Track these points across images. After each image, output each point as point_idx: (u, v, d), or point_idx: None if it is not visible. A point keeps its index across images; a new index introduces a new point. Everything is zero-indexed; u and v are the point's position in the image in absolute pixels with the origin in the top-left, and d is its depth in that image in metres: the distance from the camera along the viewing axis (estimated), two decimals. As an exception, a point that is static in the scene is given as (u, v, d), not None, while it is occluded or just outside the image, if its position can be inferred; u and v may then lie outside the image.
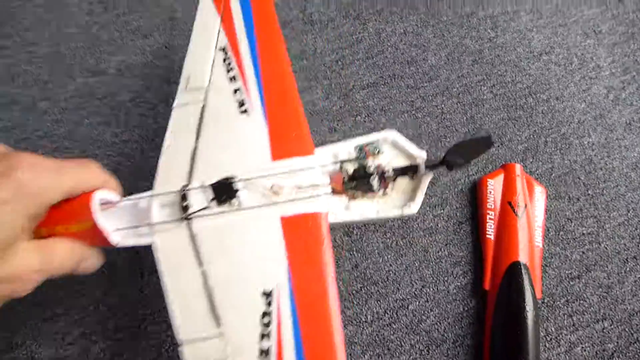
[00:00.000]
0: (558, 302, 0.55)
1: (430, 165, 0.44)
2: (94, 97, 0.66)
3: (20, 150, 0.40)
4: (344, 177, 0.44)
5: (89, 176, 0.41)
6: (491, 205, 0.57)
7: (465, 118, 0.64)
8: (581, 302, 0.56)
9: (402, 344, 0.53)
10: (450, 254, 0.57)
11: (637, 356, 0.53)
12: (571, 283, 0.56)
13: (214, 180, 0.43)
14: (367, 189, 0.43)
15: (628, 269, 0.57)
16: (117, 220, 0.43)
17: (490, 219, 0.57)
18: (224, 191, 0.42)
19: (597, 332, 0.54)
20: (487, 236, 0.56)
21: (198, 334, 0.38)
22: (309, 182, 0.43)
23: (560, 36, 0.70)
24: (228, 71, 0.50)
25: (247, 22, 0.52)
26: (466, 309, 0.55)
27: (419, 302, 0.55)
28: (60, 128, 0.64)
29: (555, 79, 0.67)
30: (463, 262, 0.57)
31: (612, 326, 0.55)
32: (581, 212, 0.60)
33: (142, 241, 0.42)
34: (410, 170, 0.44)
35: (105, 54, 0.70)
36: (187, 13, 0.73)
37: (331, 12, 0.72)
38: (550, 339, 0.54)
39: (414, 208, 0.43)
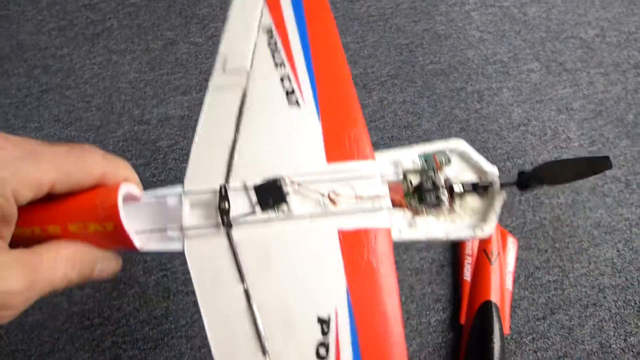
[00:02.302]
0: (525, 339, 0.64)
1: (505, 183, 0.39)
2: (138, 142, 0.79)
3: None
4: (407, 190, 0.39)
5: (78, 166, 0.32)
6: (469, 252, 0.67)
7: (451, 176, 0.75)
8: (545, 340, 0.64)
9: (387, 367, 0.62)
10: (433, 292, 0.66)
11: (593, 391, 0.61)
12: (537, 323, 0.65)
13: (258, 181, 0.37)
14: (434, 204, 0.38)
15: (588, 314, 0.66)
16: (138, 219, 0.37)
17: (467, 263, 0.66)
18: (270, 195, 0.36)
19: (558, 368, 0.62)
20: (464, 278, 0.65)
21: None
22: (369, 191, 0.38)
23: (537, 111, 0.81)
24: (274, 55, 0.43)
25: (295, 4, 0.45)
26: (444, 339, 0.63)
27: (404, 331, 0.64)
28: (108, 166, 0.76)
29: (531, 147, 0.78)
30: (443, 299, 0.66)
31: (572, 363, 0.63)
32: (548, 262, 0.69)
33: (171, 247, 0.36)
34: (480, 188, 0.40)
35: (149, 106, 0.83)
36: (220, 75, 0.86)
37: (342, 81, 0.85)
38: (517, 372, 0.62)
39: (487, 230, 0.39)
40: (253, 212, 0.36)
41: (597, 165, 0.36)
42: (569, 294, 0.67)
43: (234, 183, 0.37)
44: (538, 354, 0.63)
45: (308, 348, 0.33)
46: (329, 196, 0.37)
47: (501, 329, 0.61)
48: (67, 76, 0.86)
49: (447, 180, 0.39)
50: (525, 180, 0.38)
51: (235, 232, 0.36)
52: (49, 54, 0.87)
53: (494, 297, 0.63)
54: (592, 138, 0.79)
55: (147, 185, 0.75)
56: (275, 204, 0.36)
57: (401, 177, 0.39)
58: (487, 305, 0.62)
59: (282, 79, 0.42)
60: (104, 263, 0.35)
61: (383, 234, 0.37)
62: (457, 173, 0.40)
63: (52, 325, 0.64)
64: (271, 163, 0.38)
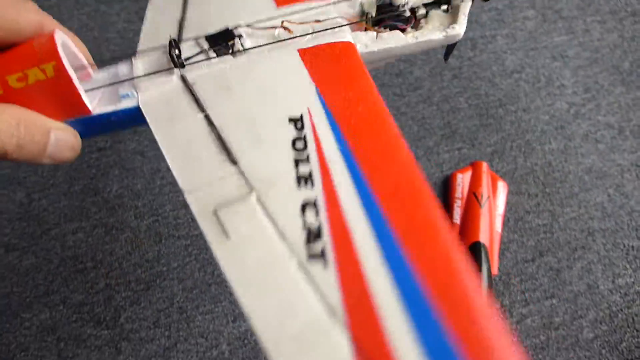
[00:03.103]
0: (513, 281, 0.65)
1: None
2: (128, 92, 0.78)
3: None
4: (366, 17, 0.37)
5: (15, 13, 0.29)
6: (459, 195, 0.67)
7: (442, 123, 0.74)
8: (533, 281, 0.65)
9: (376, 306, 0.62)
10: (422, 234, 0.67)
11: (579, 329, 0.62)
12: (525, 265, 0.65)
13: (210, 31, 0.36)
14: (398, 23, 0.37)
15: (576, 256, 0.66)
16: (89, 85, 0.35)
17: (457, 206, 0.66)
18: (222, 39, 0.35)
19: (545, 308, 0.63)
20: (454, 220, 0.66)
21: (209, 177, 0.31)
22: (327, 14, 0.36)
23: (531, 58, 0.80)
24: None
25: None
26: (433, 280, 0.64)
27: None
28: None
29: (524, 94, 0.77)
30: (432, 242, 0.66)
31: (559, 303, 0.64)
32: (538, 206, 0.69)
33: (125, 104, 0.34)
34: (443, 2, 0.38)
35: (139, 56, 0.82)
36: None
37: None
38: (504, 311, 0.63)
39: (458, 29, 0.38)
40: (207, 57, 0.35)
41: None
42: (558, 237, 0.67)
43: (186, 35, 0.37)
44: (526, 294, 0.64)
45: (282, 146, 0.31)
46: (282, 26, 0.36)
47: (489, 269, 0.61)
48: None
49: (407, 3, 0.37)
50: None
51: (189, 74, 0.35)
52: (37, 4, 0.86)
53: (483, 239, 0.63)
54: (587, 85, 0.78)
55: (137, 132, 0.75)
56: (227, 48, 0.35)
57: (357, 9, 0.37)
58: (476, 246, 0.62)
59: None
60: (58, 133, 0.31)
61: (346, 46, 0.35)
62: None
63: (46, 269, 0.65)
64: (221, 14, 0.37)
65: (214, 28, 0.36)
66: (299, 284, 0.26)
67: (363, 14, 0.37)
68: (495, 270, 0.62)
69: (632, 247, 0.67)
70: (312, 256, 0.27)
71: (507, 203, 0.68)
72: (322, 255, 0.27)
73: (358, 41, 0.36)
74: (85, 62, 0.35)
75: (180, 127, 0.33)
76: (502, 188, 0.68)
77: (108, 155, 0.73)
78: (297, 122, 0.32)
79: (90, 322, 0.62)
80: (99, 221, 0.68)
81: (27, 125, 0.29)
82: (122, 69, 0.35)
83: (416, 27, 0.37)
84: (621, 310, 0.63)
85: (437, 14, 0.38)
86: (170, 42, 0.34)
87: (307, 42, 0.35)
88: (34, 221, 0.68)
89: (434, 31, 0.37)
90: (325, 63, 0.34)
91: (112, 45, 0.83)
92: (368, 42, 0.36)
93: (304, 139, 0.31)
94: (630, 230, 0.68)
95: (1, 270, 0.65)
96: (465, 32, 0.82)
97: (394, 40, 0.36)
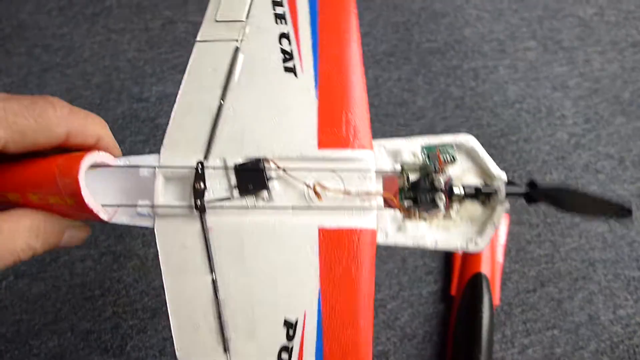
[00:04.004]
0: (514, 311, 0.65)
1: (511, 193, 0.34)
2: (137, 120, 0.80)
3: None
4: (402, 186, 0.34)
5: (38, 123, 0.28)
6: (461, 226, 0.68)
7: (445, 152, 0.76)
8: (535, 311, 0.65)
9: (379, 336, 0.63)
10: (425, 264, 0.68)
11: (580, 361, 0.63)
12: (527, 295, 0.66)
13: (240, 160, 0.33)
14: (428, 207, 0.33)
15: (578, 287, 0.67)
16: (107, 188, 0.33)
17: (459, 237, 0.67)
18: (251, 178, 0.32)
19: (547, 338, 0.64)
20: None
21: (202, 353, 0.32)
22: (360, 186, 0.33)
23: (532, 88, 0.82)
24: (275, 5, 0.37)
25: None
26: (435, 310, 0.65)
27: (396, 302, 0.65)
28: (108, 143, 0.78)
29: (525, 124, 0.78)
30: (435, 272, 0.67)
31: (560, 334, 0.64)
32: (539, 236, 0.70)
33: (140, 222, 0.33)
34: (484, 194, 0.34)
35: (148, 84, 0.84)
36: (218, 54, 0.86)
37: (339, 59, 0.86)
38: (506, 341, 0.63)
39: (481, 244, 0.34)
40: (230, 197, 0.33)
41: (617, 211, 0.32)
42: (559, 268, 0.68)
43: (214, 160, 0.33)
44: (527, 324, 0.65)
45: (270, 350, 0.31)
46: (314, 188, 0.33)
47: (490, 300, 0.62)
48: (67, 55, 0.87)
49: (447, 181, 0.34)
50: (536, 195, 0.34)
51: (209, 217, 0.33)
52: (50, 33, 0.88)
53: (485, 269, 0.64)
54: (587, 116, 0.80)
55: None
56: (256, 190, 0.32)
57: (398, 170, 0.34)
58: (478, 277, 0.63)
59: (280, 37, 0.36)
60: (71, 232, 0.32)
61: (367, 236, 0.33)
62: (461, 173, 0.35)
63: (54, 296, 0.66)
64: (257, 138, 0.34)
65: (245, 152, 0.33)
66: None
67: (402, 172, 0.34)
68: (496, 301, 0.63)
69: (633, 277, 0.68)
70: None
71: (509, 233, 0.69)
72: None
73: (381, 223, 0.34)
74: (107, 161, 0.33)
75: (188, 282, 0.32)
76: (503, 218, 0.69)
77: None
78: (290, 328, 0.31)
79: (97, 350, 0.63)
80: (107, 249, 0.69)
81: (45, 232, 0.30)
82: (144, 173, 0.33)
83: (447, 209, 0.34)
84: (622, 341, 0.64)
85: (471, 205, 0.35)
86: (196, 173, 0.32)
87: (329, 217, 0.33)
88: (43, 248, 0.70)
89: (456, 240, 0.34)
90: (339, 256, 0.32)
91: (122, 74, 0.85)
92: (389, 231, 0.34)
93: (290, 351, 0.31)
94: (630, 261, 0.68)
95: (11, 297, 0.66)
96: (467, 63, 0.84)
97: (413, 238, 0.34)
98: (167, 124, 0.78)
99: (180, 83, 0.84)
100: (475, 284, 0.63)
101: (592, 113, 0.80)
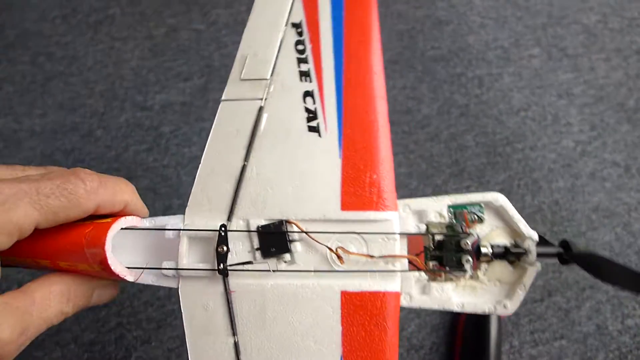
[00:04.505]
0: (522, 321, 0.65)
1: (543, 254, 0.33)
2: (141, 128, 0.80)
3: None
4: (428, 246, 0.33)
5: (69, 201, 0.29)
6: (467, 235, 0.68)
7: (450, 161, 0.75)
8: (542, 321, 0.65)
9: (386, 347, 0.63)
10: (431, 274, 0.67)
11: (589, 372, 0.62)
12: (534, 305, 0.66)
13: (262, 222, 0.33)
14: (454, 268, 0.32)
15: (585, 296, 0.67)
16: (135, 249, 0.34)
17: (466, 246, 0.67)
18: (273, 241, 0.33)
19: (555, 349, 0.63)
20: (463, 260, 0.66)
21: None
22: (384, 250, 0.33)
23: (537, 96, 0.81)
24: (300, 62, 0.37)
25: None
26: (442, 321, 0.64)
27: (403, 313, 0.65)
28: (111, 152, 0.77)
29: (531, 132, 0.78)
30: (441, 282, 0.67)
31: (568, 344, 0.64)
32: (546, 245, 0.69)
33: (165, 284, 0.33)
34: (513, 255, 0.33)
35: (151, 92, 0.84)
36: (223, 62, 0.86)
37: (343, 67, 0.85)
38: (514, 352, 0.63)
39: (510, 308, 0.33)
40: (253, 260, 0.33)
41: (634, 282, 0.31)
42: (567, 277, 0.68)
43: (237, 221, 0.33)
44: (535, 335, 0.64)
45: None
46: (336, 252, 0.32)
47: (498, 310, 0.61)
48: (71, 63, 0.87)
49: (476, 240, 0.33)
50: (569, 258, 0.33)
51: (232, 279, 0.33)
52: (53, 41, 0.88)
53: (492, 279, 0.63)
54: (593, 123, 0.79)
55: (150, 170, 0.76)
56: (278, 253, 0.32)
57: (423, 230, 0.33)
58: (485, 287, 0.63)
59: (305, 95, 0.36)
60: (100, 291, 0.33)
61: (391, 299, 0.32)
62: (489, 232, 0.33)
63: (58, 306, 0.66)
64: (279, 200, 0.34)
65: (267, 214, 0.33)
66: None
67: (427, 231, 0.33)
68: (504, 312, 0.63)
69: (641, 287, 0.67)
70: None
71: (516, 242, 0.69)
72: None
73: (405, 286, 0.33)
74: (136, 223, 0.33)
75: (210, 343, 0.32)
76: (510, 227, 0.69)
77: (121, 192, 0.74)
78: None
79: (101, 361, 0.62)
80: (111, 259, 0.69)
81: (75, 295, 0.31)
82: (169, 235, 0.33)
83: (475, 268, 0.33)
84: (631, 351, 0.63)
85: (499, 266, 0.33)
86: (219, 236, 0.32)
87: (352, 281, 0.32)
88: (47, 258, 0.69)
89: (483, 303, 0.33)
90: (362, 320, 0.32)
91: (126, 82, 0.84)
92: (414, 294, 0.33)
93: None
94: (638, 269, 0.68)
95: (14, 307, 0.66)
96: (472, 70, 0.84)
97: (438, 301, 0.33)
98: (170, 131, 0.78)
99: (183, 90, 0.84)
100: (482, 294, 0.62)
101: (597, 120, 0.80)
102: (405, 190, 0.73)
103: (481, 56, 0.84)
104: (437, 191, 0.73)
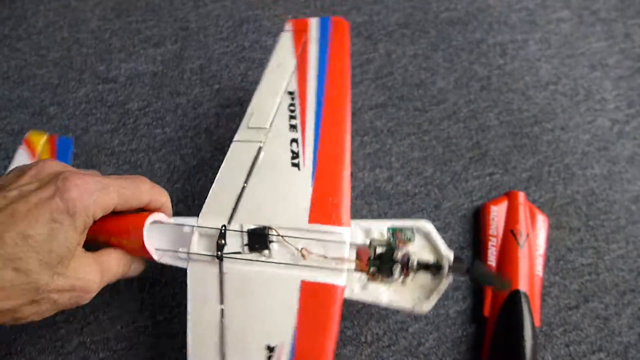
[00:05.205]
0: (555, 332, 0.56)
1: (454, 270, 0.43)
2: (104, 104, 0.67)
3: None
4: (370, 256, 0.44)
5: (134, 194, 0.44)
6: (493, 232, 0.58)
7: (471, 143, 0.65)
8: (578, 332, 0.56)
9: (401, 367, 0.53)
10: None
11: (631, 389, 0.54)
12: (569, 313, 0.57)
13: (252, 226, 0.46)
14: (388, 274, 0.43)
15: (626, 301, 0.58)
16: (161, 237, 0.47)
17: (492, 245, 0.57)
18: (258, 240, 0.45)
19: (592, 364, 0.55)
20: (488, 262, 0.57)
21: None
22: (336, 254, 0.44)
23: (567, 67, 0.71)
24: (290, 118, 0.51)
25: (320, 73, 0.53)
26: (465, 334, 0.55)
27: (419, 325, 0.55)
28: (68, 133, 0.65)
29: (561, 109, 0.68)
30: (463, 287, 0.57)
31: (607, 358, 0.55)
32: (581, 242, 0.60)
33: (178, 264, 0.46)
34: (433, 268, 0.43)
35: (116, 61, 0.71)
36: (201, 23, 0.73)
37: (342, 31, 0.73)
38: (547, 369, 0.54)
39: (425, 307, 0.43)
40: (242, 251, 0.45)
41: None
42: (605, 279, 0.59)
43: (234, 224, 0.47)
44: (570, 347, 0.55)
45: None
46: (301, 251, 0.44)
47: (532, 322, 0.52)
48: (18, 25, 0.72)
49: (406, 255, 0.43)
50: (472, 278, 0.43)
51: (226, 264, 0.45)
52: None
53: (523, 286, 0.54)
54: (630, 99, 0.69)
55: (115, 155, 0.64)
56: (260, 249, 0.45)
57: (367, 243, 0.45)
58: (516, 295, 0.53)
59: (292, 141, 0.50)
60: (135, 265, 0.47)
61: (337, 291, 0.44)
62: (419, 250, 0.44)
63: (5, 326, 0.54)
64: (266, 212, 0.47)
65: (256, 221, 0.46)
66: None
67: (370, 246, 0.45)
68: (538, 323, 0.54)
69: (687, 289, 0.59)
70: None
71: (548, 240, 0.59)
72: None
73: (350, 282, 0.44)
74: (165, 219, 0.47)
75: (205, 309, 0.44)
76: (542, 223, 0.59)
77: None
78: (271, 351, 0.42)
79: (61, 390, 0.52)
80: (70, 265, 0.57)
81: (124, 264, 0.46)
82: (186, 229, 0.47)
83: (406, 275, 0.43)
84: (677, 364, 0.55)
85: (423, 276, 0.44)
86: (220, 233, 0.46)
87: (311, 273, 0.44)
88: (-9, 264, 0.57)
89: (406, 301, 0.43)
90: (313, 303, 0.43)
91: (85, 48, 0.71)
92: (356, 289, 0.44)
93: None
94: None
95: (-48, 325, 0.54)
96: (493, 36, 0.72)
97: (373, 296, 0.44)
98: (139, 108, 0.66)
99: (154, 58, 0.71)
100: (513, 303, 0.53)
101: (635, 96, 0.69)
102: (420, 178, 0.62)
103: (503, 19, 0.73)
104: (456, 179, 0.63)
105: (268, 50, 0.71)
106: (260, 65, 0.70)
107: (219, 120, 0.66)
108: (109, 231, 0.45)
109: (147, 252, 0.45)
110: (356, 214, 0.61)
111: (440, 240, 0.44)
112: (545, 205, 0.62)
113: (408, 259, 0.43)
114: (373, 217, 0.61)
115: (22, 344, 0.54)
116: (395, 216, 0.60)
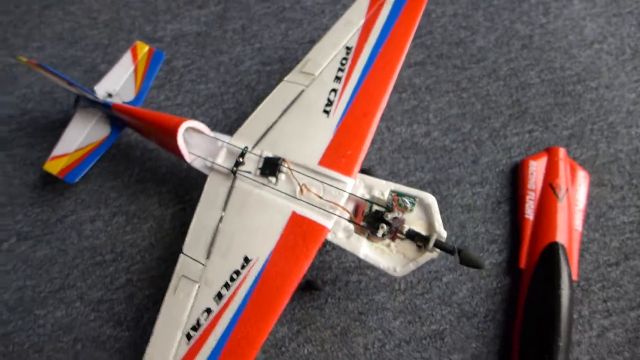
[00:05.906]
0: (593, 287, 0.55)
1: (440, 247, 0.43)
2: (151, 62, 0.70)
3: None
4: (365, 212, 0.46)
5: None
6: (532, 186, 0.57)
7: (510, 101, 0.64)
8: (617, 288, 0.55)
9: (434, 313, 0.54)
10: (487, 231, 0.57)
11: (672, 347, 0.53)
12: (608, 269, 0.56)
13: (270, 155, 0.51)
14: (374, 231, 0.45)
15: (669, 260, 0.56)
16: (200, 145, 0.54)
17: (530, 199, 0.57)
18: (270, 167, 0.50)
19: (631, 320, 0.54)
20: (526, 216, 0.56)
21: (193, 255, 0.49)
22: (332, 198, 0.47)
23: (613, 26, 0.69)
24: (339, 70, 0.54)
25: (381, 36, 0.55)
26: (499, 285, 0.55)
27: (453, 275, 0.56)
28: (118, 89, 0.68)
29: (606, 68, 0.66)
30: (499, 240, 0.57)
31: (647, 315, 0.54)
32: (624, 200, 0.59)
33: (204, 171, 0.53)
34: (421, 240, 0.44)
35: (162, 22, 0.73)
36: (242, -13, 0.75)
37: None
38: (583, 322, 0.54)
39: (398, 273, 0.44)
40: (253, 173, 0.51)
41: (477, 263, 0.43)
42: (647, 237, 0.57)
43: (257, 149, 0.52)
44: (608, 303, 0.55)
45: (229, 269, 0.47)
46: (302, 187, 0.48)
47: (570, 275, 0.52)
48: (71, -11, 0.76)
49: (398, 220, 0.45)
50: (461, 259, 0.43)
51: (238, 181, 0.51)
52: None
53: (561, 239, 0.54)
54: (680, 58, 0.67)
55: (161, 110, 0.67)
56: (270, 175, 0.50)
57: (366, 199, 0.47)
58: (554, 248, 0.53)
59: (331, 90, 0.54)
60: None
61: (321, 230, 0.47)
62: (414, 220, 0.46)
63: (61, 261, 0.58)
64: (285, 146, 0.51)
65: (275, 151, 0.51)
66: None
67: (368, 200, 0.47)
68: (575, 276, 0.53)
69: None
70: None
71: (588, 196, 0.58)
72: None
73: (336, 227, 0.47)
74: (205, 130, 0.55)
75: (209, 212, 0.51)
76: (582, 179, 0.58)
77: (129, 134, 0.65)
78: (247, 262, 0.47)
79: (109, 322, 0.55)
80: (118, 208, 0.60)
81: None
82: (218, 144, 0.54)
83: (393, 239, 0.45)
84: None
85: (409, 243, 0.45)
86: (242, 154, 0.51)
87: (303, 208, 0.48)
88: (48, 207, 0.61)
89: (381, 261, 0.45)
90: (296, 234, 0.47)
91: (133, 10, 0.74)
92: (340, 235, 0.47)
93: (237, 277, 0.47)
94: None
95: (13, 261, 0.58)
96: (536, -5, 0.71)
97: (352, 246, 0.46)
98: (184, 66, 0.69)
99: (198, 19, 0.73)
100: (551, 255, 0.53)
101: (686, 55, 0.67)
102: (458, 134, 0.63)
103: (547, -22, 0.71)
104: (494, 136, 0.62)
105: (308, 11, 0.73)
106: (300, 25, 0.71)
107: (259, 77, 0.68)
108: (153, 123, 0.54)
109: (179, 150, 0.52)
110: (393, 166, 0.61)
111: (438, 216, 0.45)
112: (586, 163, 0.61)
113: (400, 224, 0.45)
114: (409, 170, 0.61)
115: (74, 279, 0.57)
116: (432, 170, 0.61)
